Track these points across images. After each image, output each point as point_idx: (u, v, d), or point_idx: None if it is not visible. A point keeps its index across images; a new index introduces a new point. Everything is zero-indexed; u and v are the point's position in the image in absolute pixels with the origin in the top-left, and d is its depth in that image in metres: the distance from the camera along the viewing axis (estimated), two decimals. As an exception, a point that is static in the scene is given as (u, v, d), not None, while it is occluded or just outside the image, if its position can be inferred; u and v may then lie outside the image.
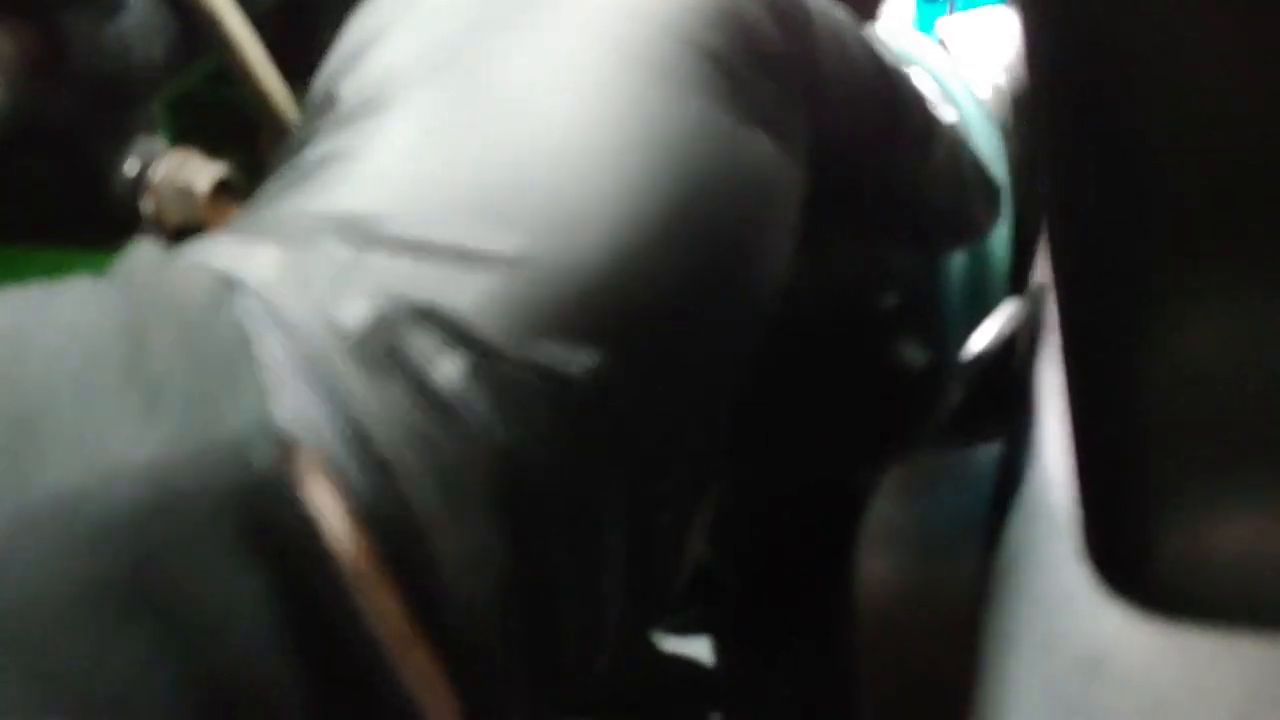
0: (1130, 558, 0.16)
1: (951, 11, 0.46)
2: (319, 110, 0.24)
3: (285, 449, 0.19)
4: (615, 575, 0.22)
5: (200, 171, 0.34)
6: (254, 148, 0.42)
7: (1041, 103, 0.15)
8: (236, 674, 0.18)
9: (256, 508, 0.18)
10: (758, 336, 0.24)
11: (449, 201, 0.21)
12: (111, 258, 0.34)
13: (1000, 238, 0.36)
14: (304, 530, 0.18)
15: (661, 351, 0.22)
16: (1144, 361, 0.15)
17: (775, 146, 0.24)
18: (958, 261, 0.36)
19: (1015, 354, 0.33)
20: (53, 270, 0.37)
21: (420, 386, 0.20)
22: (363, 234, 0.21)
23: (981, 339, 0.34)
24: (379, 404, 0.19)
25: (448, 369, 0.20)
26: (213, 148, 0.36)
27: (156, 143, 0.35)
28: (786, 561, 0.37)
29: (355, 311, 0.20)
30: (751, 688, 0.37)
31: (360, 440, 0.19)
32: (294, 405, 0.19)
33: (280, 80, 0.34)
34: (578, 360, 0.21)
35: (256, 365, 0.19)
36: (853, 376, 0.35)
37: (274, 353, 0.19)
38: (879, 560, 0.28)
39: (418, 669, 0.19)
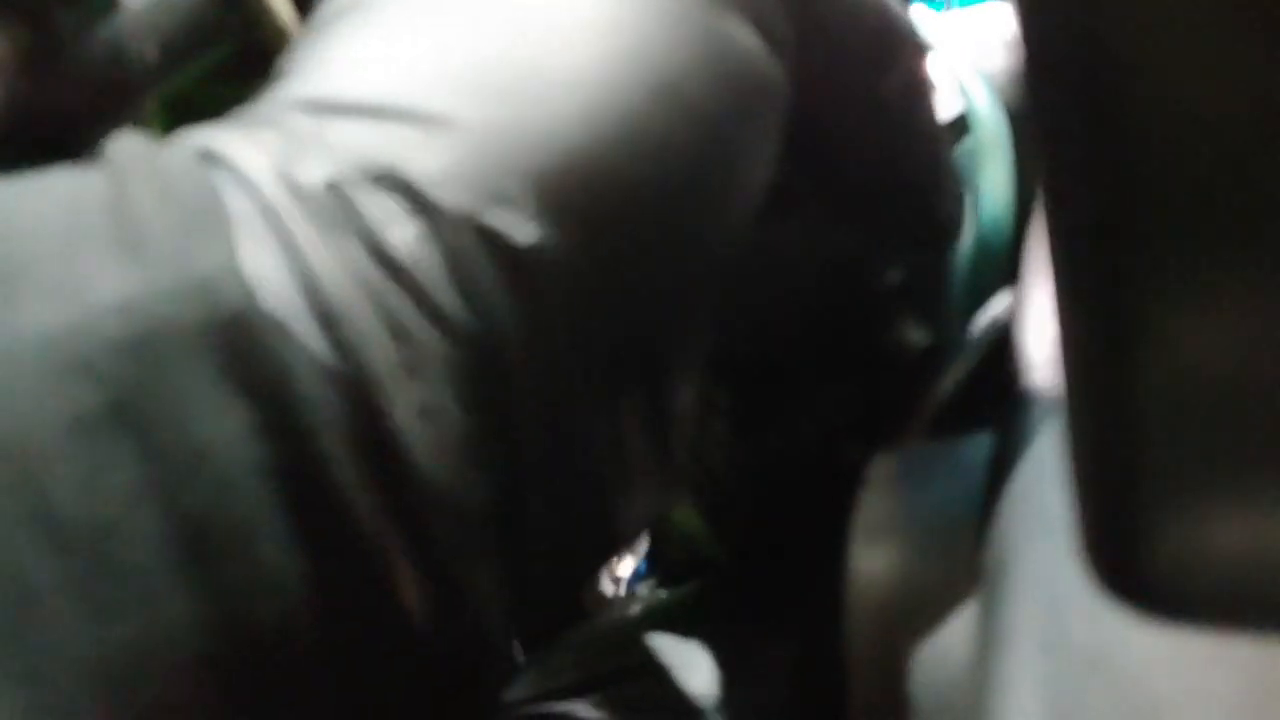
0: (1127, 558, 0.16)
1: (948, 8, 0.46)
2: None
3: (252, 284, 0.19)
4: (581, 457, 0.22)
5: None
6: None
7: (1038, 101, 0.15)
8: (217, 505, 0.18)
9: (231, 343, 0.19)
10: (738, 245, 0.24)
11: (415, 73, 0.21)
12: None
13: (1004, 228, 0.36)
14: (277, 369, 0.19)
15: (629, 236, 0.22)
16: (1142, 362, 0.15)
17: (762, 45, 0.24)
18: (964, 246, 0.36)
19: (1009, 343, 0.33)
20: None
21: (375, 247, 0.20)
22: (324, 105, 0.21)
23: (978, 326, 0.34)
24: (333, 260, 0.20)
25: (402, 233, 0.20)
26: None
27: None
28: (781, 543, 0.37)
29: (311, 171, 0.20)
30: (744, 673, 0.36)
31: (313, 292, 0.19)
32: (255, 256, 0.19)
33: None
34: (527, 230, 0.21)
35: (226, 218, 0.20)
36: (854, 354, 0.35)
37: (238, 209, 0.20)
38: (870, 551, 0.28)
39: (374, 518, 0.20)
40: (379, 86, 0.21)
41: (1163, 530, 0.15)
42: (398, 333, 0.20)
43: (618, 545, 0.26)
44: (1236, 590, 0.15)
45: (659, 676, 0.37)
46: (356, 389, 0.19)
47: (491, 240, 0.20)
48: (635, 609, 0.39)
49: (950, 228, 0.33)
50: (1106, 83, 0.14)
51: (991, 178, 0.36)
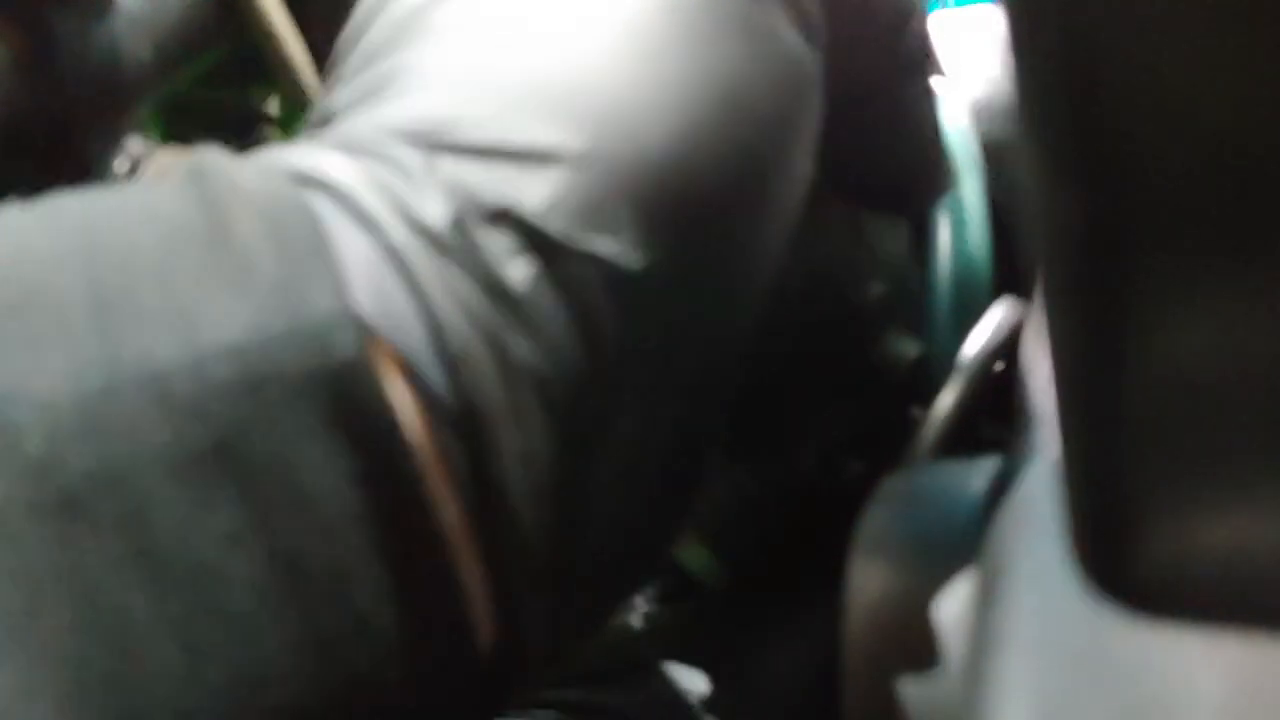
0: (1118, 558, 0.16)
1: (942, 8, 0.46)
2: (356, 41, 0.24)
3: (368, 338, 0.19)
4: (646, 476, 0.22)
5: (191, 172, 0.34)
6: (246, 148, 0.42)
7: (1027, 103, 0.15)
8: (315, 552, 0.18)
9: (340, 392, 0.18)
10: (787, 233, 0.24)
11: (510, 102, 0.21)
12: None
13: (982, 240, 0.37)
14: (385, 418, 0.19)
15: (714, 239, 0.22)
16: (1131, 363, 0.15)
17: (801, 37, 0.24)
18: (944, 257, 0.36)
19: (1012, 361, 0.33)
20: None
21: (493, 286, 0.20)
22: (432, 140, 0.21)
23: (976, 343, 0.34)
24: (454, 300, 0.20)
25: (519, 270, 0.20)
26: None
27: (147, 142, 0.35)
28: (779, 560, 0.37)
29: (435, 209, 0.20)
30: (740, 689, 0.37)
31: (436, 334, 0.19)
32: (375, 297, 0.19)
33: (304, 49, 0.35)
34: (639, 254, 0.21)
35: (335, 256, 0.19)
36: (845, 370, 0.35)
37: (353, 245, 0.20)
38: (869, 566, 0.28)
39: (468, 563, 0.20)
40: (479, 117, 0.21)
41: (1152, 529, 0.15)
42: (510, 377, 0.20)
43: (656, 569, 0.26)
44: (1225, 588, 0.15)
45: (659, 682, 0.37)
46: (470, 431, 0.19)
47: (603, 268, 0.21)
48: (636, 622, 0.39)
49: (946, 184, 0.34)
50: (1096, 84, 0.14)
51: (967, 191, 0.36)
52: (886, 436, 0.34)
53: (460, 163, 0.21)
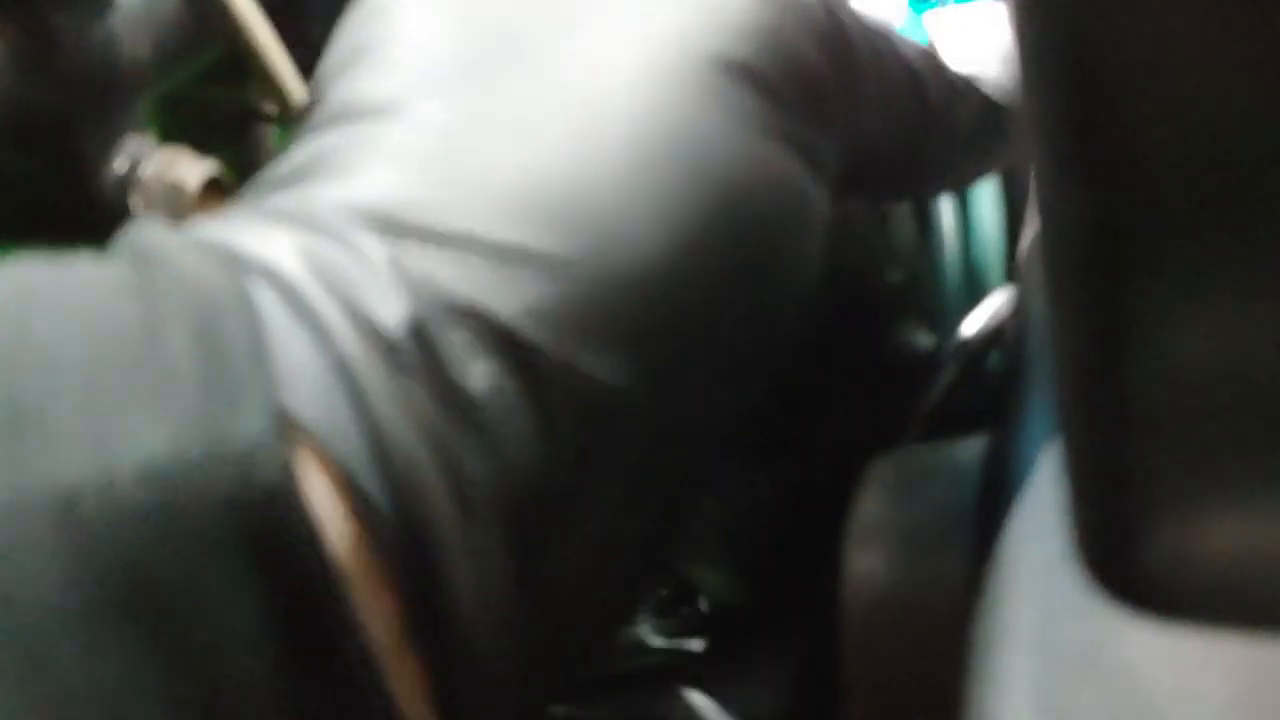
0: (1120, 557, 0.16)
1: (941, 6, 0.46)
2: (322, 103, 0.23)
3: (299, 452, 0.18)
4: (621, 572, 0.22)
5: (190, 169, 0.34)
6: (244, 146, 0.42)
7: (1032, 99, 0.15)
8: (225, 696, 0.17)
9: (258, 523, 0.17)
10: (782, 348, 0.24)
11: (489, 194, 0.20)
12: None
13: (992, 226, 0.36)
14: (306, 548, 0.18)
15: (691, 357, 0.22)
16: (1134, 361, 0.15)
17: (806, 170, 0.24)
18: (952, 244, 0.36)
19: (1003, 344, 0.33)
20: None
21: (449, 390, 0.19)
22: (395, 225, 0.20)
23: (971, 326, 0.34)
24: (404, 409, 0.19)
25: (481, 371, 0.19)
26: (202, 146, 0.36)
27: (145, 140, 0.35)
28: (803, 571, 0.37)
29: (392, 311, 0.19)
30: (736, 681, 0.36)
31: (380, 448, 0.18)
32: (314, 405, 0.18)
33: (288, 62, 0.34)
34: (616, 367, 0.20)
35: (272, 362, 0.18)
36: (858, 357, 0.35)
37: (295, 348, 0.19)
38: (866, 555, 0.28)
39: (407, 683, 0.19)
40: (448, 203, 0.20)
41: (1156, 529, 0.15)
42: (461, 487, 0.19)
43: (605, 651, 0.25)
44: (1228, 589, 0.15)
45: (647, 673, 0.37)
46: (411, 555, 0.19)
47: (575, 378, 0.20)
48: (654, 659, 0.39)
49: (999, 150, 0.33)
50: (1101, 81, 0.14)
51: (980, 183, 0.36)
52: (894, 428, 0.34)
53: (426, 253, 0.20)
